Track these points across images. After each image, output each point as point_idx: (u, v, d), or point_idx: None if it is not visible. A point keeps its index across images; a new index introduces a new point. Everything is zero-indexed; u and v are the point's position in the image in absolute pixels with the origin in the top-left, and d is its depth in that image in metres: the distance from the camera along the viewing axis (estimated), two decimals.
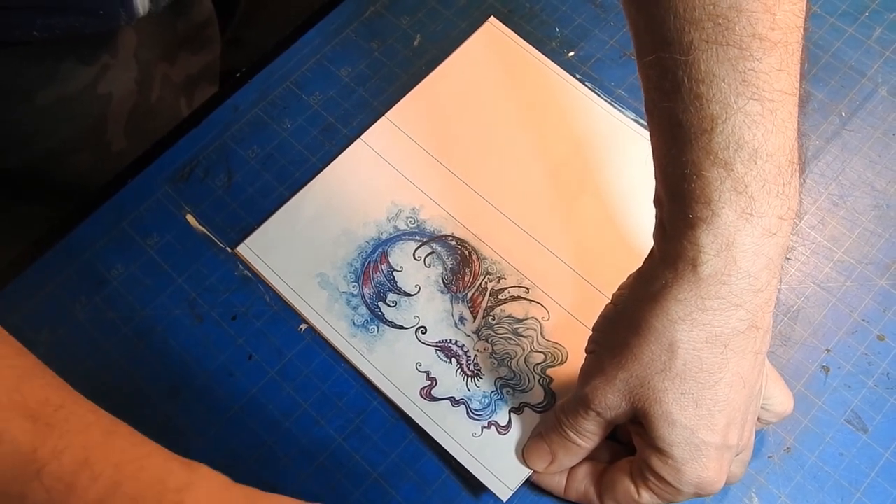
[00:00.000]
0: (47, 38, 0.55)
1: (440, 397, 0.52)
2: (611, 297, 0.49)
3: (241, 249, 0.56)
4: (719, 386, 0.43)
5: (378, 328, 0.54)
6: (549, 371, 0.53)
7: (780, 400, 0.49)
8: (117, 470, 0.37)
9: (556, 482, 0.50)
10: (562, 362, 0.53)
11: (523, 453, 0.50)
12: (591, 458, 0.49)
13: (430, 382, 0.53)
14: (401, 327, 0.54)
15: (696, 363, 0.43)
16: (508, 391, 0.52)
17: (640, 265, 0.49)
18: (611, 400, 0.45)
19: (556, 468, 0.49)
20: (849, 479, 0.51)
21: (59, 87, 0.60)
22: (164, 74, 0.68)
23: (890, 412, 0.52)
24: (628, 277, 0.48)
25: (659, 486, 0.45)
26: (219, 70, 0.75)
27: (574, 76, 0.62)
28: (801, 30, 0.42)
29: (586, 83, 0.61)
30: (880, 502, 0.50)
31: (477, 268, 0.56)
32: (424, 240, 0.57)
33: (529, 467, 0.50)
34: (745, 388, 0.44)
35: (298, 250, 0.56)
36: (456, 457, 0.51)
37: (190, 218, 0.58)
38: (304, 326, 0.55)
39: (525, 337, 0.54)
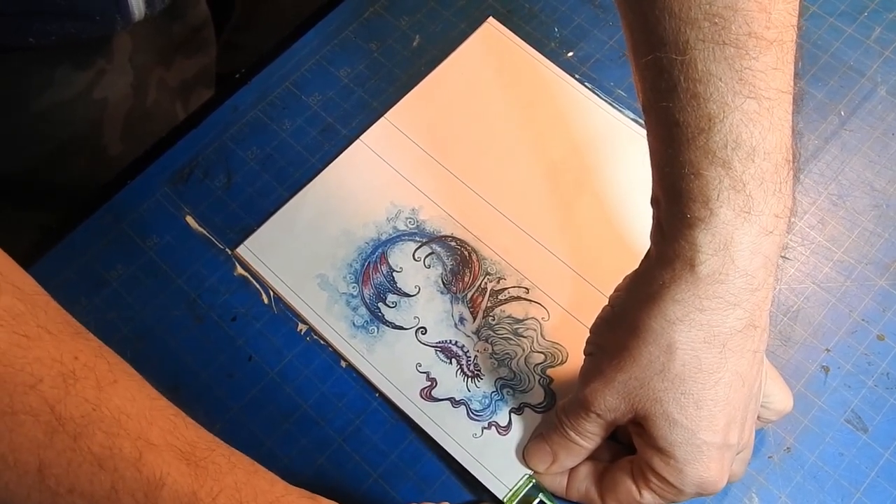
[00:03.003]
0: (44, 45, 0.55)
1: (440, 398, 0.52)
2: (609, 294, 0.49)
3: (241, 250, 0.56)
4: (719, 386, 0.43)
5: (378, 329, 0.54)
6: (549, 371, 0.53)
7: (780, 398, 0.49)
8: None
9: (558, 482, 0.50)
10: (562, 362, 0.53)
11: (524, 454, 0.50)
12: (591, 457, 0.49)
13: (430, 383, 0.53)
14: (401, 328, 0.54)
15: (695, 364, 0.43)
16: (509, 391, 0.52)
17: (639, 265, 0.49)
18: (610, 402, 0.45)
19: (557, 469, 0.49)
20: (849, 478, 0.51)
21: (55, 92, 0.59)
22: (160, 78, 0.68)
23: (890, 412, 0.52)
24: (625, 279, 0.48)
25: (661, 487, 0.45)
26: (214, 73, 0.75)
27: (573, 76, 0.62)
28: (795, 28, 0.42)
29: (585, 83, 0.61)
30: (880, 502, 0.50)
31: (476, 268, 0.56)
32: (424, 240, 0.57)
33: (530, 468, 0.50)
34: (745, 387, 0.44)
35: (298, 251, 0.56)
36: (456, 457, 0.51)
37: (189, 219, 0.58)
38: (303, 327, 0.55)
39: (525, 337, 0.54)
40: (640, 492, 0.46)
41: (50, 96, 0.59)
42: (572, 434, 0.48)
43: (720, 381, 0.43)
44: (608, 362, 0.45)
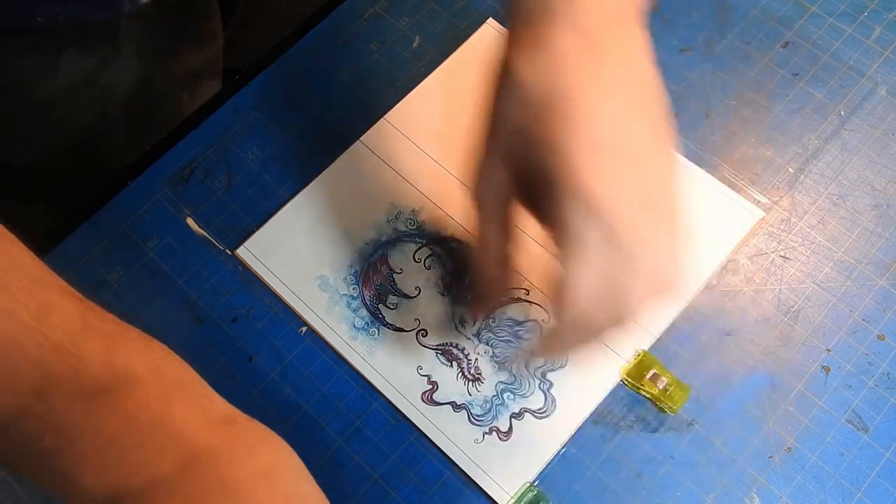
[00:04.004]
0: (51, 26, 0.55)
1: (441, 402, 0.52)
2: None
3: (241, 252, 0.56)
4: (580, 106, 0.40)
5: (379, 331, 0.54)
6: (549, 375, 0.53)
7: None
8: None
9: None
10: (561, 366, 0.53)
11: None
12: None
13: (431, 386, 0.53)
14: (401, 330, 0.54)
15: (547, 90, 0.40)
16: (509, 395, 0.52)
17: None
18: (491, 169, 0.44)
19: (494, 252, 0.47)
20: (850, 478, 0.51)
21: (61, 78, 0.60)
22: (167, 68, 0.68)
23: (890, 412, 0.52)
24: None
25: (567, 238, 0.40)
26: (222, 64, 0.75)
27: None
28: None
29: None
30: (881, 502, 0.50)
31: None
32: (424, 242, 0.57)
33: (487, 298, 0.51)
34: (629, 98, 0.41)
35: (298, 252, 0.56)
36: (458, 463, 0.51)
37: (190, 220, 0.58)
38: (304, 328, 0.55)
39: (525, 340, 0.54)
40: (566, 268, 0.40)
41: (56, 82, 0.59)
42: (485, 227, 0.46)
43: (581, 101, 0.40)
44: (485, 136, 0.45)
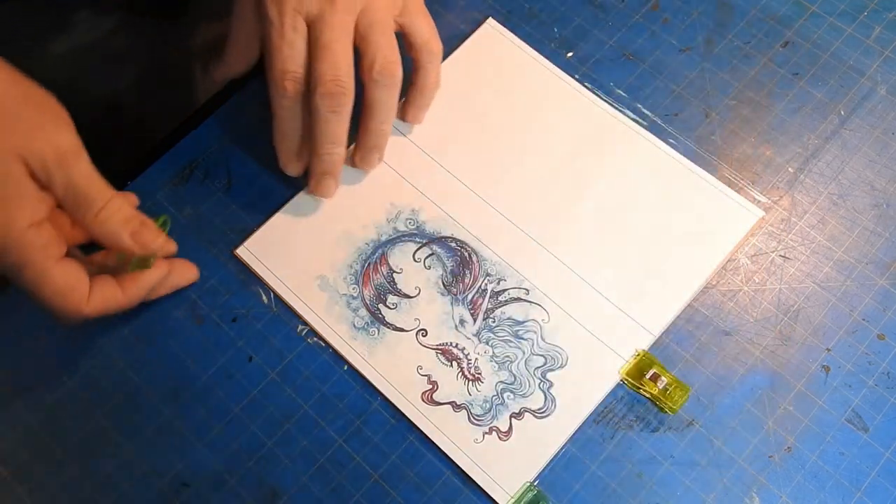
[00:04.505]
0: None
1: (442, 402, 0.52)
2: (608, 297, 0.48)
3: (241, 251, 0.56)
4: None
5: (378, 330, 0.54)
6: (549, 375, 0.53)
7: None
8: None
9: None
10: (561, 366, 0.53)
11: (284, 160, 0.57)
12: None
13: (431, 386, 0.53)
14: (401, 330, 0.54)
15: None
16: (509, 395, 0.52)
17: (638, 267, 0.48)
18: None
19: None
20: (850, 478, 0.51)
21: (75, 37, 0.60)
22: (180, 41, 0.67)
23: (890, 411, 0.52)
24: None
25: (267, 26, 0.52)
26: None
27: (573, 77, 0.62)
28: None
29: (585, 83, 0.61)
30: (881, 502, 0.50)
31: (477, 269, 0.56)
32: (424, 241, 0.57)
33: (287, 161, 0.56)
34: None
35: (298, 252, 0.56)
36: (458, 463, 0.51)
37: (189, 220, 0.58)
38: (304, 328, 0.55)
39: (525, 339, 0.54)
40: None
41: (67, 40, 0.59)
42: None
43: None
44: None
